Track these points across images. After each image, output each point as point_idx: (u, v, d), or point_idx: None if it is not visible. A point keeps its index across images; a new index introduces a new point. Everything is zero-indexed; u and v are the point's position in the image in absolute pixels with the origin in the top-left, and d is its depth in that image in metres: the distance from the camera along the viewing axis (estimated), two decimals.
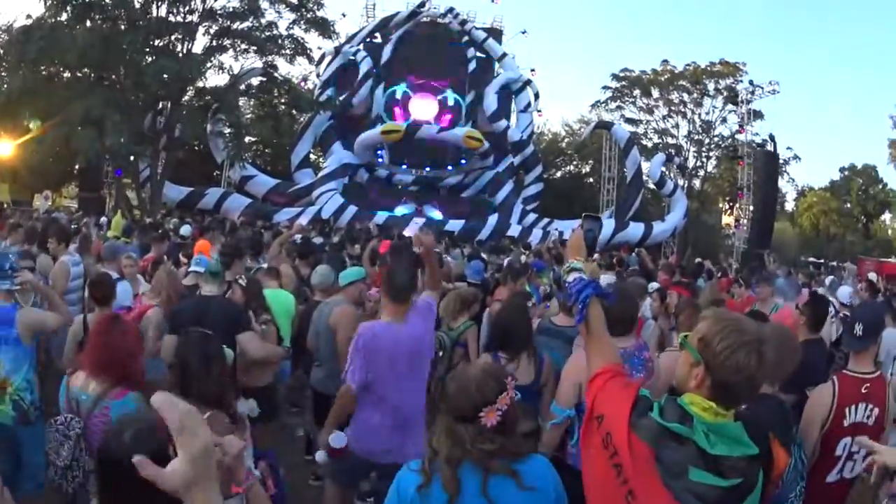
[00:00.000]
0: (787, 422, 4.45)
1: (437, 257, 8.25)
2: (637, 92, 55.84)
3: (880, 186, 73.35)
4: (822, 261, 47.00)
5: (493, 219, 35.20)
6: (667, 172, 43.61)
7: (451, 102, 40.23)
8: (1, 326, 5.87)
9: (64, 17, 27.27)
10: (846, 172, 75.99)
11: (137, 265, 9.46)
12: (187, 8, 29.76)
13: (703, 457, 2.52)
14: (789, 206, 76.43)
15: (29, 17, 28.26)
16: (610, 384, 2.89)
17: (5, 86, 29.62)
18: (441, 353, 7.67)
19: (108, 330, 4.94)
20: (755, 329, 2.68)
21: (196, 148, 39.79)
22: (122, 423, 3.26)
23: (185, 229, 16.72)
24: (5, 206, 29.17)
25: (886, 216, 75.56)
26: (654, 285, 10.65)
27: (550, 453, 4.90)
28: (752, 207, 41.79)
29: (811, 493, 4.80)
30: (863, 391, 4.86)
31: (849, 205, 73.60)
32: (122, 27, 28.26)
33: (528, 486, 3.26)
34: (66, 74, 29.77)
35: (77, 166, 35.05)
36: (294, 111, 36.67)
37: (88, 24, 27.19)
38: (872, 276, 18.99)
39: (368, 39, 41.54)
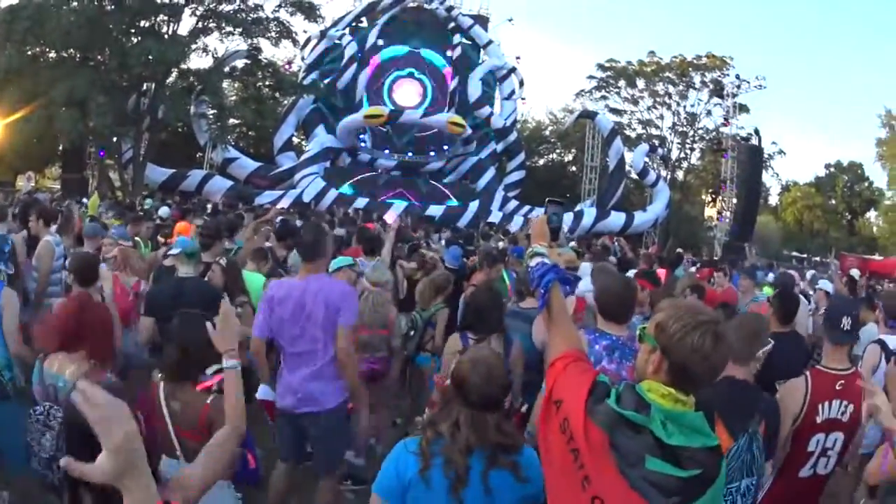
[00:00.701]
0: (747, 410, 4.33)
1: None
2: (622, 82, 56.02)
3: (866, 184, 73.78)
4: (804, 255, 47.18)
5: (473, 205, 35.18)
6: (650, 163, 43.77)
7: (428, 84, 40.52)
8: None
9: None
10: (832, 169, 76.40)
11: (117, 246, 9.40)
12: None
13: (661, 446, 2.50)
14: (773, 200, 76.82)
15: None
16: (569, 369, 2.87)
17: None
18: (413, 332, 8.09)
19: (82, 308, 4.91)
20: (711, 312, 2.71)
21: (179, 130, 39.68)
22: None
23: (164, 211, 16.65)
24: None
25: (871, 214, 75.96)
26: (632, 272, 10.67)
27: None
28: (735, 200, 41.91)
29: (783, 488, 4.86)
30: (837, 388, 4.82)
31: (833, 201, 74.01)
32: (108, 8, 28.07)
33: (524, 477, 3.33)
34: (52, 55, 29.58)
35: (60, 148, 34.93)
36: (278, 94, 36.52)
37: (75, 4, 26.99)
38: (855, 272, 19.06)
39: (354, 24, 41.46)
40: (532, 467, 3.32)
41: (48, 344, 4.98)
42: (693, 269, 17.25)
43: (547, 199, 3.80)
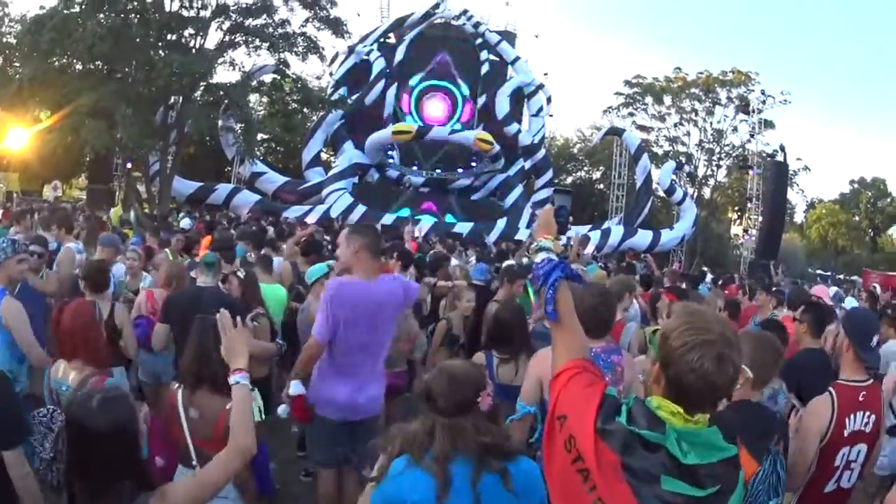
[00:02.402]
0: (767, 432, 4.29)
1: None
2: (649, 99, 55.81)
3: (889, 200, 73.33)
4: (829, 273, 46.85)
5: (501, 222, 35.07)
6: (677, 180, 43.58)
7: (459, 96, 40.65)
8: None
9: (77, 8, 27.25)
10: (855, 185, 75.99)
11: (141, 260, 9.50)
12: (200, 3, 29.72)
13: (677, 465, 2.36)
14: (799, 217, 76.46)
15: (42, 7, 28.37)
16: (573, 381, 2.69)
17: (17, 75, 29.78)
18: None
19: (73, 318, 4.96)
20: (719, 330, 2.46)
21: (207, 143, 39.86)
22: (90, 391, 3.30)
23: (186, 222, 16.77)
24: (15, 195, 29.32)
25: (894, 230, 75.49)
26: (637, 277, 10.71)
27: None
28: (760, 218, 41.72)
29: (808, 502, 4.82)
30: (860, 399, 4.76)
31: (857, 218, 73.57)
32: (134, 21, 28.27)
33: (515, 487, 3.24)
34: (79, 66, 29.79)
35: (87, 158, 35.13)
36: (305, 109, 36.66)
37: (101, 17, 27.15)
38: (875, 287, 18.97)
39: (382, 39, 41.65)
40: (528, 481, 3.30)
41: (58, 351, 5.08)
42: (712, 286, 17.25)
43: (553, 189, 3.66)
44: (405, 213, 33.97)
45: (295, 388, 5.73)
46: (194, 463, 4.38)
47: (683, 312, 2.58)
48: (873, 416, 4.79)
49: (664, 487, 2.35)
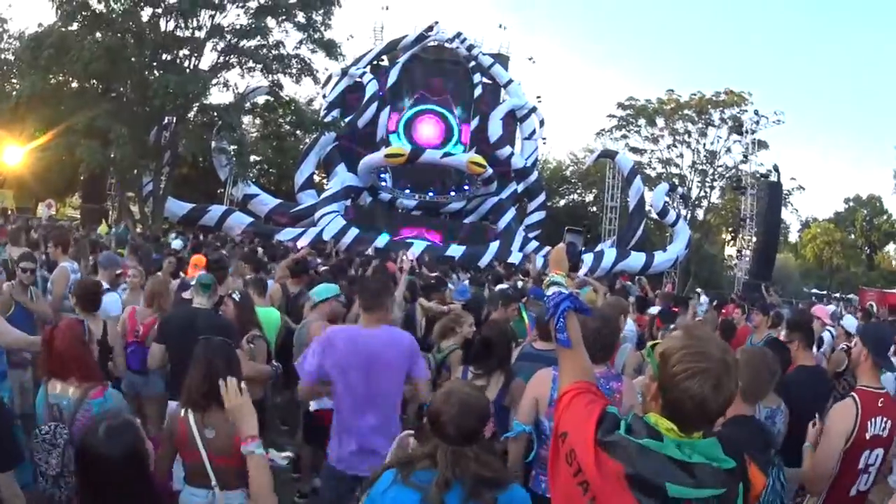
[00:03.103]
0: (766, 444, 4.43)
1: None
2: (642, 121, 56.04)
3: (884, 217, 73.70)
4: (824, 292, 46.99)
5: (494, 245, 35.08)
6: (670, 202, 43.68)
7: (453, 121, 40.75)
8: None
9: (74, 26, 27.34)
10: (850, 203, 76.32)
11: (142, 278, 9.49)
12: (195, 24, 29.79)
13: (681, 468, 2.42)
14: (793, 236, 76.77)
15: (41, 25, 28.49)
16: (575, 401, 2.79)
17: (14, 91, 29.83)
18: None
19: (62, 338, 4.94)
20: (719, 356, 2.52)
21: (200, 164, 39.91)
22: (97, 418, 3.29)
23: (177, 243, 16.73)
24: (9, 212, 29.29)
25: (891, 247, 75.86)
26: (654, 309, 10.71)
27: (516, 470, 4.95)
28: (754, 238, 41.81)
29: None
30: (879, 405, 4.99)
31: (853, 236, 73.86)
32: (130, 41, 28.33)
33: None
34: (74, 84, 29.87)
35: (81, 177, 35.16)
36: (298, 131, 36.70)
37: (98, 35, 27.21)
38: (871, 305, 19.09)
39: (375, 62, 41.80)
40: None
41: (42, 371, 5.11)
42: (705, 305, 17.29)
43: (566, 228, 3.75)
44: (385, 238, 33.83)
45: (315, 403, 6.08)
46: (213, 483, 4.34)
47: (686, 335, 2.61)
48: (890, 422, 5.00)
49: (671, 494, 2.39)
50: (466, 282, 15.47)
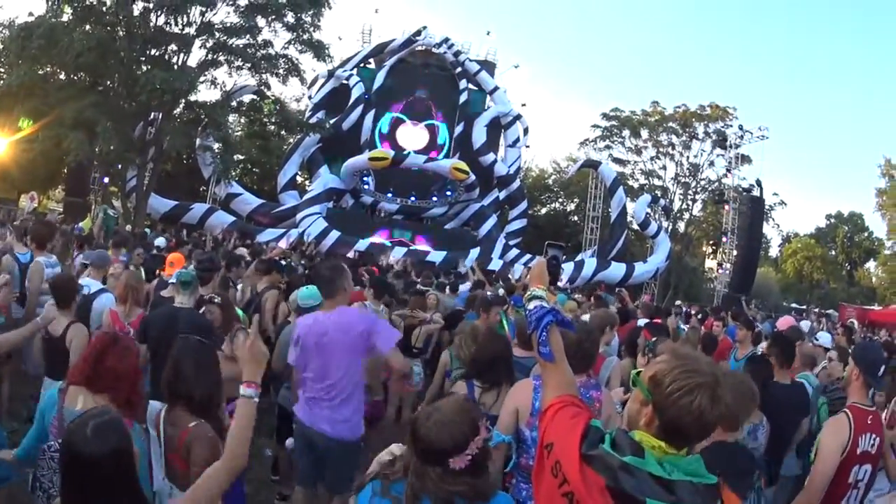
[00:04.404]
0: (746, 470, 4.56)
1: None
2: (626, 132, 56.15)
3: (865, 234, 74.16)
4: (804, 307, 47.17)
5: (474, 252, 34.97)
6: (651, 214, 43.85)
7: (440, 138, 40.80)
8: None
9: (65, 17, 27.21)
10: (832, 220, 76.81)
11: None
12: (185, 20, 29.68)
13: (661, 485, 2.46)
14: (774, 251, 77.15)
15: (31, 14, 28.27)
16: (560, 414, 2.85)
17: (2, 81, 29.65)
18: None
19: (106, 350, 4.77)
20: (709, 371, 2.60)
21: (184, 161, 39.74)
22: (84, 416, 3.24)
23: (160, 241, 16.58)
24: None
25: (871, 264, 76.26)
26: (642, 321, 10.76)
27: (494, 479, 4.91)
28: (735, 252, 41.96)
29: None
30: (868, 421, 5.14)
31: (834, 252, 74.29)
32: (120, 34, 28.20)
33: None
34: (62, 76, 29.70)
35: (65, 170, 34.99)
36: (283, 132, 36.63)
37: (87, 27, 27.07)
38: (852, 322, 19.22)
39: (362, 64, 41.76)
40: None
41: (73, 376, 4.77)
42: (686, 319, 17.38)
43: (547, 243, 3.77)
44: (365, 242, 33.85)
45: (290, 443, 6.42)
46: (163, 476, 4.33)
47: (674, 356, 2.66)
48: (878, 439, 5.18)
49: None
50: (468, 286, 15.50)
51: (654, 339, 7.29)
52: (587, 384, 5.20)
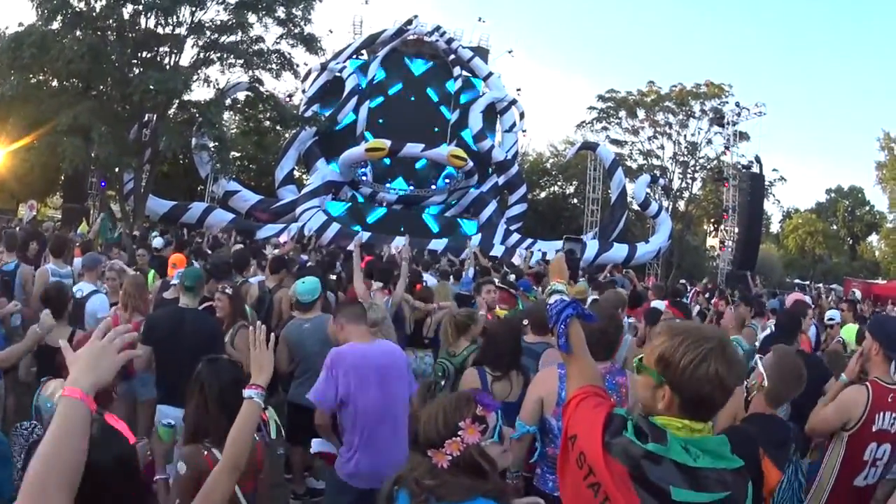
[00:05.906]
0: (784, 442, 4.42)
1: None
2: (623, 113, 56.06)
3: (867, 208, 74.21)
4: (807, 282, 47.11)
5: (476, 239, 34.83)
6: (651, 194, 43.79)
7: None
8: None
9: (55, 25, 27.13)
10: (832, 194, 76.82)
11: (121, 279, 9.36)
12: (176, 20, 29.60)
13: (685, 473, 2.46)
14: (775, 227, 77.19)
15: (21, 24, 28.17)
16: (582, 405, 2.84)
17: None
18: (444, 382, 7.05)
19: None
20: (714, 335, 2.62)
21: (181, 161, 39.74)
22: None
23: (159, 241, 16.46)
24: None
25: (873, 238, 76.31)
26: (660, 304, 10.65)
27: (517, 469, 4.94)
28: (737, 229, 41.92)
29: (839, 495, 5.08)
30: (889, 400, 5.06)
31: (835, 226, 74.33)
32: (111, 38, 28.15)
33: None
34: (55, 84, 29.63)
35: (62, 177, 34.97)
36: (279, 127, 36.57)
37: (78, 33, 27.01)
38: (856, 295, 19.21)
39: (355, 56, 41.66)
40: None
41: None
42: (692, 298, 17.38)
43: (565, 237, 3.71)
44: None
45: (316, 445, 5.72)
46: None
47: (672, 333, 2.66)
48: None
49: (675, 498, 2.45)
50: (470, 273, 15.43)
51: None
52: (612, 370, 5.12)
